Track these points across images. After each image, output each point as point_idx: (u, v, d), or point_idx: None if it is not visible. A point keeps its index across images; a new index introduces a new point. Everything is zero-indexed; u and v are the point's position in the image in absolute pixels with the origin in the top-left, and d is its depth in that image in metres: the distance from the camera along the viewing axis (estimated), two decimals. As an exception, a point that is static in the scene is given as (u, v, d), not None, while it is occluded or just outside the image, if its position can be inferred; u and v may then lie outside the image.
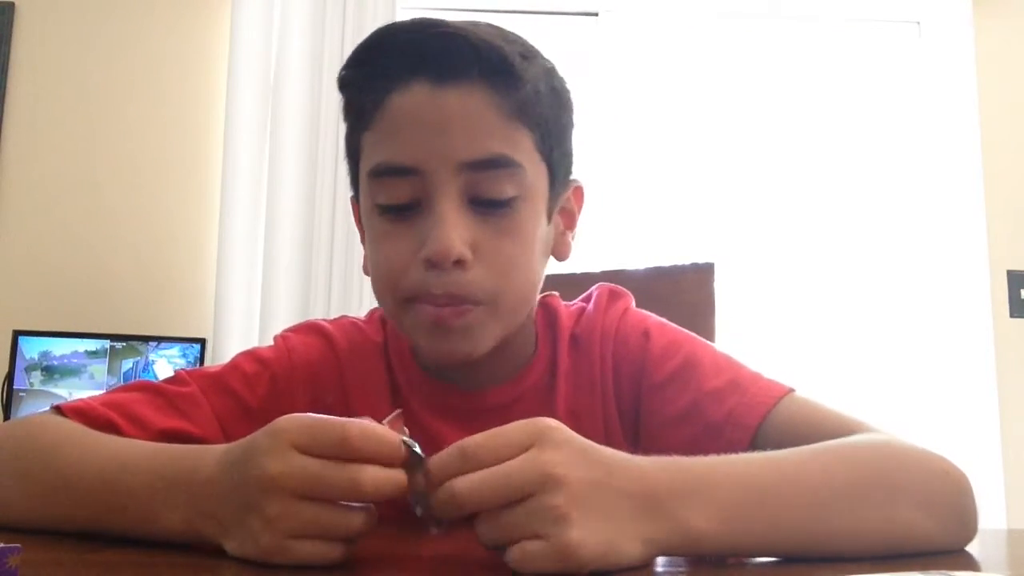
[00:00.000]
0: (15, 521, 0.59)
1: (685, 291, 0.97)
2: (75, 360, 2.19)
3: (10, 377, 2.17)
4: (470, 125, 0.64)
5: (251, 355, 0.78)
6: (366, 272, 0.75)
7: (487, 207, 0.66)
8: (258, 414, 0.72)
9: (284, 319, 2.26)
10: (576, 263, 0.86)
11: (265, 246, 2.31)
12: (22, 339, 2.19)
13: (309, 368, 0.76)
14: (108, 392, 0.73)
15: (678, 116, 2.56)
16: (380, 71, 0.67)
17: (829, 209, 2.55)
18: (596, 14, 2.59)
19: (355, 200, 0.76)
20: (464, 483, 0.46)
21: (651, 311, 0.81)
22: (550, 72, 0.72)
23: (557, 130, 0.71)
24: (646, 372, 0.74)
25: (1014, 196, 2.52)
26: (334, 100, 2.34)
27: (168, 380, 0.74)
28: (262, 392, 0.74)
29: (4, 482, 0.62)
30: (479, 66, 0.65)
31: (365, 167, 0.69)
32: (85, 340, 2.20)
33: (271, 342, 0.80)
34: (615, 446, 0.54)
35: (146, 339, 2.22)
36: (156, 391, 0.71)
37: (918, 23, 2.65)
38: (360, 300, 2.26)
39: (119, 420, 0.66)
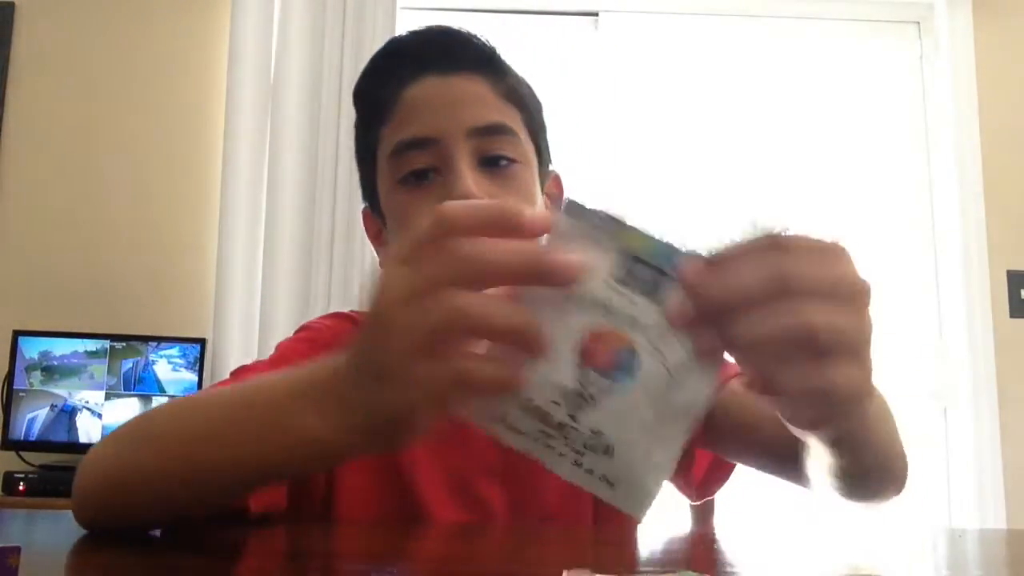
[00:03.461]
0: (151, 482, 0.55)
1: (685, 291, 0.97)
2: (75, 360, 2.19)
3: (10, 377, 2.17)
4: (475, 101, 0.77)
5: (297, 340, 0.82)
6: None
7: (494, 165, 0.76)
8: None
9: (284, 319, 2.26)
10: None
11: (265, 246, 2.31)
12: (22, 339, 2.19)
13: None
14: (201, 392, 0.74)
15: (678, 116, 2.56)
16: (394, 73, 0.79)
17: (829, 209, 2.55)
18: (596, 14, 2.59)
19: (369, 211, 0.85)
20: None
21: None
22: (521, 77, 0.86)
23: (539, 118, 0.84)
24: None
25: (1014, 196, 2.52)
26: (334, 100, 2.35)
27: (235, 376, 0.75)
28: None
29: (136, 447, 0.58)
30: (475, 58, 0.79)
31: (384, 153, 0.78)
32: (85, 340, 2.20)
33: (271, 342, 0.82)
34: None
35: (146, 339, 2.22)
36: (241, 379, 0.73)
37: (918, 23, 2.65)
38: (360, 301, 2.26)
39: None
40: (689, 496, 0.87)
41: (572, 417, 0.40)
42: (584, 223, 0.40)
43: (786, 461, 0.67)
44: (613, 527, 0.76)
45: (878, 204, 2.56)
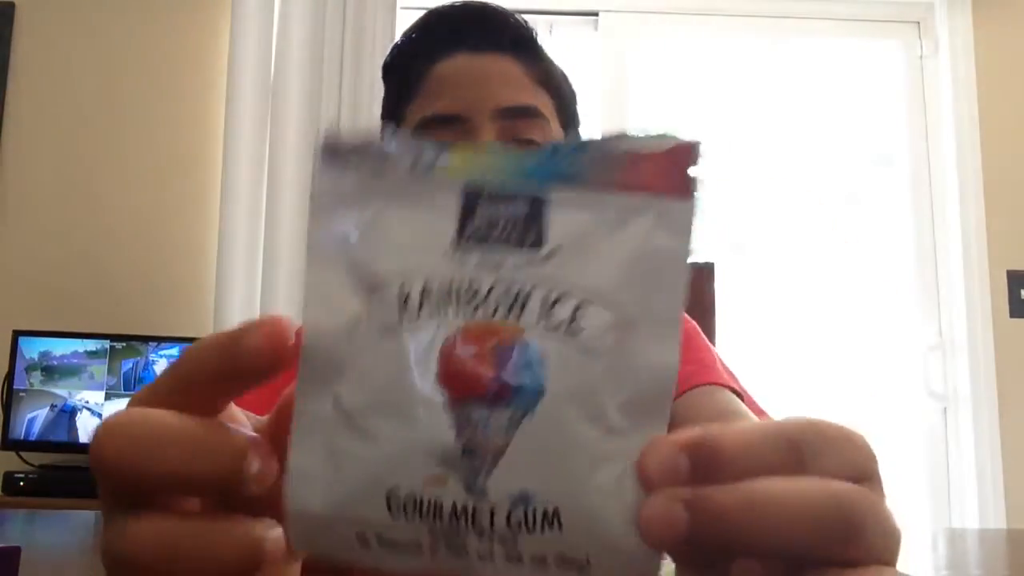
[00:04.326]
0: None
1: (685, 291, 0.98)
2: (75, 360, 2.19)
3: (10, 377, 2.17)
4: (505, 80, 0.73)
5: None
6: None
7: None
8: None
9: (284, 319, 2.26)
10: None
11: (265, 246, 2.31)
12: (22, 339, 2.19)
13: None
14: None
15: (678, 116, 2.56)
16: (424, 49, 0.76)
17: (829, 209, 2.55)
18: (596, 14, 2.59)
19: None
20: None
21: None
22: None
23: (573, 109, 0.80)
24: None
25: (1014, 196, 2.52)
26: (334, 100, 2.35)
27: None
28: None
29: None
30: (511, 39, 0.76)
31: (411, 128, 0.75)
32: (85, 340, 2.20)
33: None
34: None
35: (146, 339, 2.22)
36: None
37: (918, 23, 2.65)
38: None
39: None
40: None
41: (471, 489, 0.25)
42: (362, 173, 0.26)
43: None
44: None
45: (878, 204, 2.56)
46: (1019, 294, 2.48)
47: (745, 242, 2.51)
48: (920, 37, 2.64)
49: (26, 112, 2.44)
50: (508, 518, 0.24)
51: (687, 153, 0.27)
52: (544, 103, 0.75)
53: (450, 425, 0.25)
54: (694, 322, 0.86)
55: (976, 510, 2.34)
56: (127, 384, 2.19)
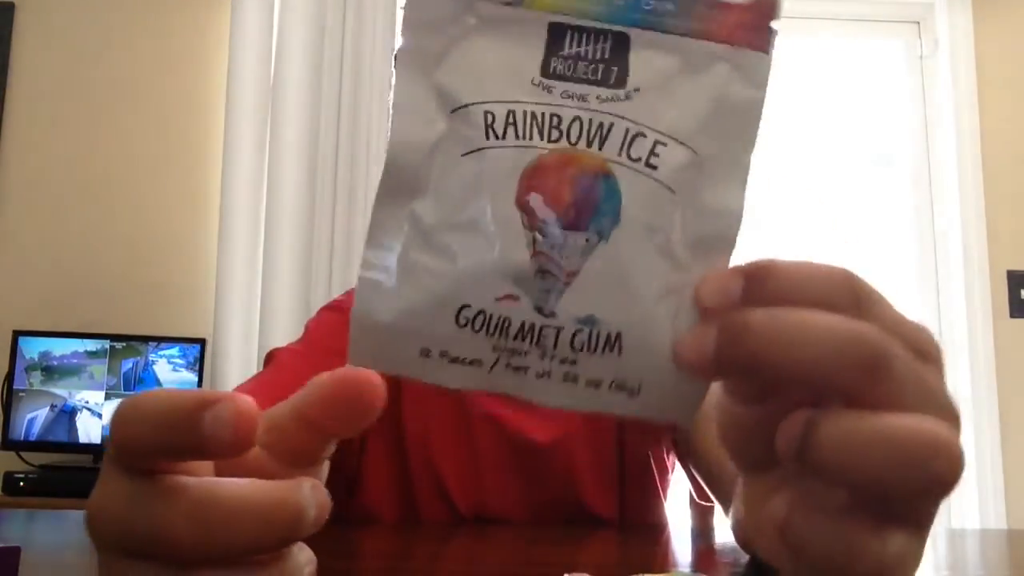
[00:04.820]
0: None
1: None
2: (75, 360, 2.19)
3: (10, 377, 2.17)
4: None
5: (319, 318, 0.78)
6: None
7: None
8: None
9: (284, 319, 2.26)
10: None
11: (265, 246, 2.31)
12: (22, 339, 2.19)
13: None
14: (245, 383, 0.72)
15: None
16: None
17: (828, 208, 2.55)
18: (596, 14, 2.59)
19: None
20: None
21: None
22: None
23: None
24: None
25: (1014, 196, 2.52)
26: (334, 100, 2.35)
27: (268, 361, 0.74)
28: (346, 338, 0.74)
29: None
30: None
31: None
32: (85, 340, 2.20)
33: (271, 342, 0.81)
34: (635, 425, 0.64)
35: (146, 339, 2.22)
36: (274, 370, 0.71)
37: (918, 23, 2.65)
38: (360, 300, 2.26)
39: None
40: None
41: (541, 310, 0.25)
42: (438, 4, 0.26)
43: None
44: (633, 521, 0.76)
45: (878, 204, 2.57)
46: (1019, 294, 2.48)
47: (745, 241, 2.50)
48: (920, 37, 2.64)
49: (26, 112, 2.44)
50: (572, 340, 0.25)
51: (769, 7, 0.27)
52: None
53: (527, 246, 0.25)
54: None
55: (976, 510, 2.34)
56: (127, 384, 2.19)
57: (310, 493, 0.25)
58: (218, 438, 0.23)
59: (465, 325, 0.25)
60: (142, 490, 0.24)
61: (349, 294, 0.83)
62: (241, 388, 0.69)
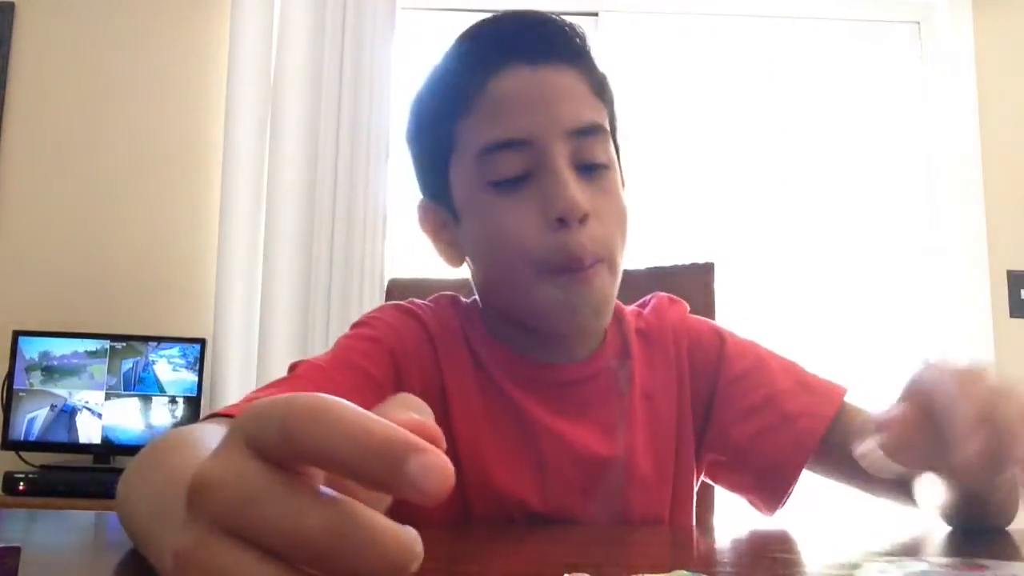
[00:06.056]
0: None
1: (685, 291, 0.97)
2: (75, 360, 2.19)
3: (10, 377, 2.17)
4: (570, 98, 0.72)
5: (358, 336, 0.77)
6: (455, 264, 0.79)
7: (590, 171, 0.72)
8: (385, 386, 0.72)
9: (284, 319, 2.26)
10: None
11: (265, 246, 2.31)
12: (22, 339, 2.19)
13: (415, 344, 0.77)
14: (261, 389, 0.70)
15: (678, 116, 2.56)
16: (479, 60, 0.73)
17: (829, 209, 2.55)
18: (596, 14, 2.59)
19: (428, 202, 0.79)
20: None
21: None
22: None
23: (614, 111, 0.78)
24: (723, 368, 0.82)
25: (1014, 196, 2.52)
26: (334, 100, 2.35)
27: (292, 370, 0.72)
28: (384, 367, 0.74)
29: (122, 492, 0.53)
30: (568, 49, 0.73)
31: (470, 151, 0.72)
32: (85, 340, 2.20)
33: (271, 342, 0.81)
34: (685, 432, 0.75)
35: (146, 339, 2.22)
36: (293, 379, 0.70)
37: (918, 23, 2.65)
38: (360, 301, 2.26)
39: None
40: (766, 513, 0.83)
41: None
42: None
43: (896, 489, 0.69)
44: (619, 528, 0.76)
45: (878, 204, 2.57)
46: (1019, 294, 2.48)
47: (745, 241, 2.51)
48: (920, 37, 2.64)
49: (26, 112, 2.45)
50: None
51: None
52: (602, 114, 0.74)
53: None
54: (729, 329, 0.86)
55: (976, 510, 2.34)
56: (127, 384, 2.19)
57: (420, 547, 0.25)
58: (420, 487, 0.24)
59: None
60: (284, 481, 0.25)
61: (382, 313, 0.80)
62: (257, 394, 0.68)
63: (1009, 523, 0.71)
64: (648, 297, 0.89)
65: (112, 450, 2.17)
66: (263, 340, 2.23)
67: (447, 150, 0.75)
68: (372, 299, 2.25)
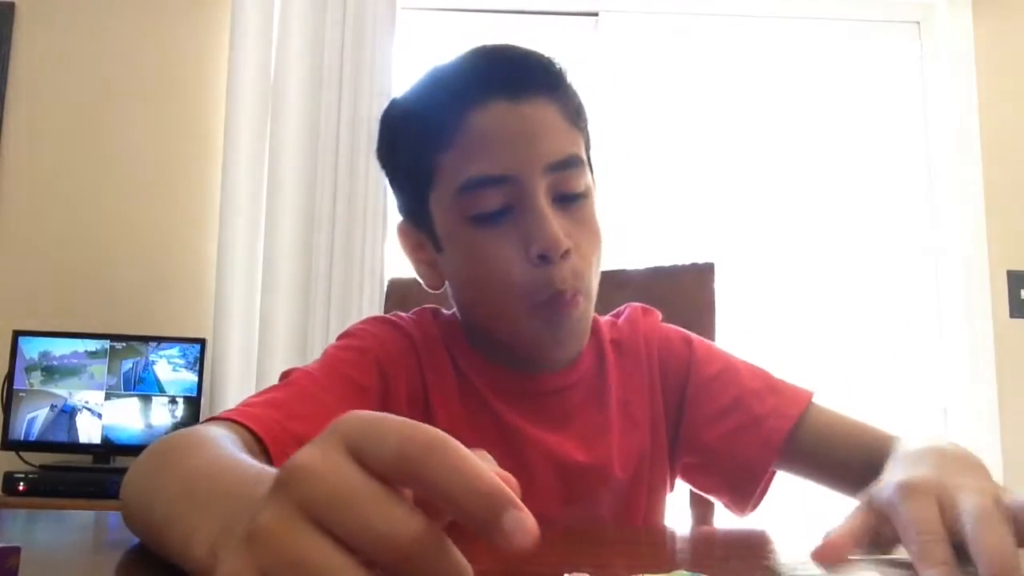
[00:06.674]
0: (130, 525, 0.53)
1: (685, 291, 0.97)
2: (75, 360, 2.19)
3: (10, 377, 2.17)
4: (549, 132, 0.73)
5: (345, 347, 0.78)
6: (435, 287, 0.81)
7: (568, 202, 0.73)
8: (372, 394, 0.74)
9: (284, 319, 2.26)
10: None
11: (265, 246, 2.31)
12: (22, 339, 2.19)
13: (400, 354, 0.79)
14: (255, 396, 0.70)
15: (678, 116, 2.56)
16: (458, 93, 0.73)
17: (829, 209, 2.55)
18: (596, 14, 2.59)
19: (408, 225, 0.80)
20: None
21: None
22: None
23: (589, 133, 0.80)
24: (692, 373, 0.84)
25: (1014, 196, 2.52)
26: (334, 100, 2.35)
27: (284, 378, 0.73)
28: (372, 376, 0.76)
29: (129, 482, 0.54)
30: (546, 82, 0.74)
31: (450, 185, 0.73)
32: (85, 340, 2.20)
33: (271, 342, 0.82)
34: (658, 436, 0.78)
35: (146, 339, 2.22)
36: (288, 386, 0.71)
37: (918, 23, 2.65)
38: (360, 301, 2.26)
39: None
40: (738, 514, 0.85)
41: None
42: None
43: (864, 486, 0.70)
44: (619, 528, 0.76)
45: (878, 204, 2.57)
46: (1019, 294, 2.48)
47: (745, 242, 2.51)
48: (920, 37, 2.64)
49: (26, 112, 2.45)
50: None
51: None
52: (578, 143, 0.76)
53: None
54: (700, 337, 0.88)
55: (976, 510, 2.34)
56: (127, 384, 2.19)
57: None
58: (510, 539, 0.28)
59: None
60: (384, 491, 0.28)
61: (366, 325, 0.82)
62: (253, 400, 0.68)
63: None
64: (622, 307, 0.91)
65: (112, 450, 2.17)
66: (263, 340, 2.23)
67: (427, 180, 0.75)
68: (372, 299, 2.25)
